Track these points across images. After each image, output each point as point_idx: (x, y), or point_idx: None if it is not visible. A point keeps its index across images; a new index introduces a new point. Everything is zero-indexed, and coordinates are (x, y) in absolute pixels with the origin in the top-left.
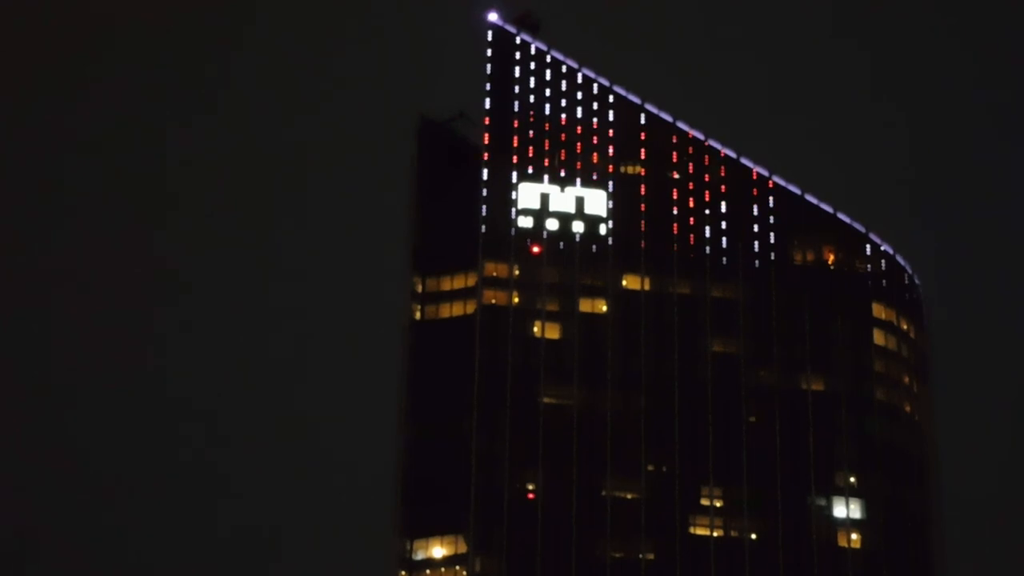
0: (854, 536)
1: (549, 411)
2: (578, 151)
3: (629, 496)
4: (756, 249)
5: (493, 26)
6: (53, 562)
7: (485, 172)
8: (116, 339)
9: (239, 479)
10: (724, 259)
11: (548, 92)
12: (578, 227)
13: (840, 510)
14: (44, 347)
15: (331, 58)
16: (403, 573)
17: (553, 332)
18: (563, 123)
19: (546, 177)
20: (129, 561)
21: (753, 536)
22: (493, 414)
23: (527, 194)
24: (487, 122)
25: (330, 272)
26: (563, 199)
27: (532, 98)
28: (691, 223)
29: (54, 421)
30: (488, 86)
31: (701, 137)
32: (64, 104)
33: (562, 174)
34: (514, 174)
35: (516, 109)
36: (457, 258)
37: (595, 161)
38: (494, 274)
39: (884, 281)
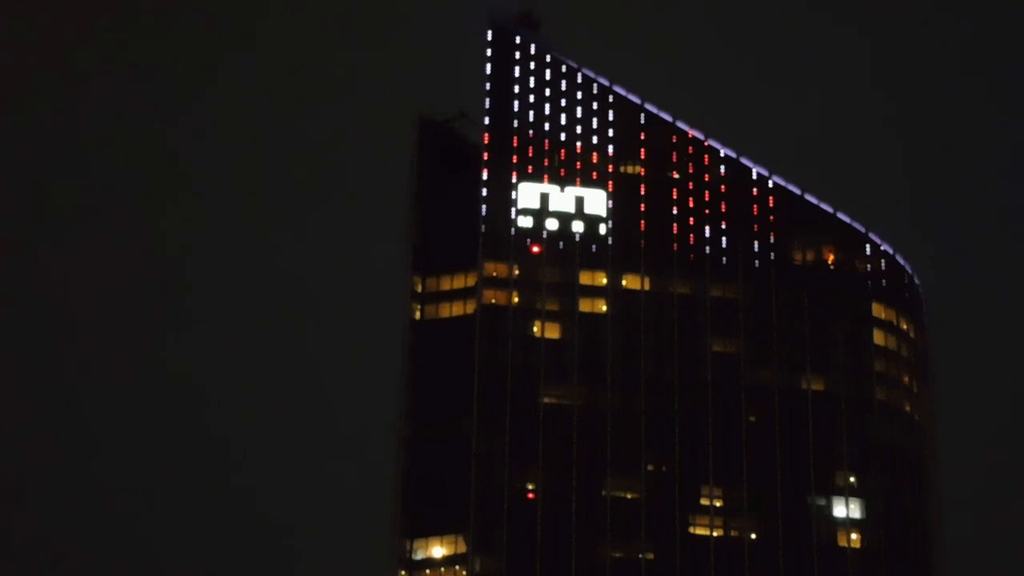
0: (854, 536)
1: (549, 411)
2: (578, 151)
3: (629, 496)
4: (756, 249)
5: (493, 26)
6: (54, 562)
7: (485, 172)
8: (116, 340)
9: (238, 478)
10: (724, 259)
11: (548, 92)
12: (578, 227)
13: (840, 510)
14: (45, 346)
15: (331, 58)
16: (403, 573)
17: (553, 332)
18: (563, 123)
19: (546, 177)
20: (129, 561)
21: (753, 536)
22: (493, 414)
23: (527, 194)
24: (487, 122)
25: (330, 272)
26: (563, 199)
27: (532, 98)
28: (691, 223)
29: (55, 420)
30: (488, 86)
31: (701, 137)
32: (64, 104)
33: (562, 174)
34: (514, 174)
35: (516, 109)
36: (457, 258)
37: (595, 161)
38: (494, 274)
39: (884, 281)
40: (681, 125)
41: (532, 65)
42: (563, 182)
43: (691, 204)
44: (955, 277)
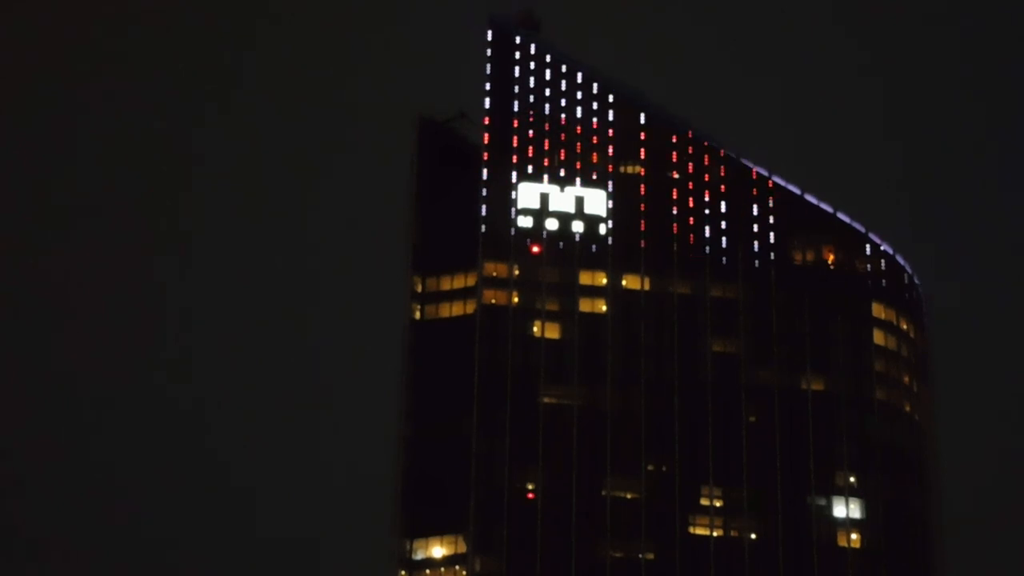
0: (854, 536)
1: (549, 411)
2: (578, 151)
3: (629, 496)
4: (756, 249)
5: (493, 26)
6: (55, 562)
7: (485, 172)
8: (116, 340)
9: (239, 478)
10: (724, 259)
11: (548, 92)
12: (578, 227)
13: (840, 510)
14: (45, 346)
15: (331, 58)
16: (403, 573)
17: (553, 332)
18: (563, 123)
19: (546, 177)
20: (129, 561)
21: (753, 536)
22: (493, 414)
23: (527, 194)
24: (487, 122)
25: (330, 272)
26: (563, 199)
27: (532, 98)
28: (691, 223)
29: (55, 420)
30: (488, 86)
31: (701, 137)
32: (64, 104)
33: (562, 174)
34: (514, 174)
35: (516, 109)
36: (457, 258)
37: (595, 161)
38: (494, 274)
39: (884, 281)
40: (681, 125)
41: (532, 65)
42: (563, 182)
43: (691, 204)
44: (955, 277)
